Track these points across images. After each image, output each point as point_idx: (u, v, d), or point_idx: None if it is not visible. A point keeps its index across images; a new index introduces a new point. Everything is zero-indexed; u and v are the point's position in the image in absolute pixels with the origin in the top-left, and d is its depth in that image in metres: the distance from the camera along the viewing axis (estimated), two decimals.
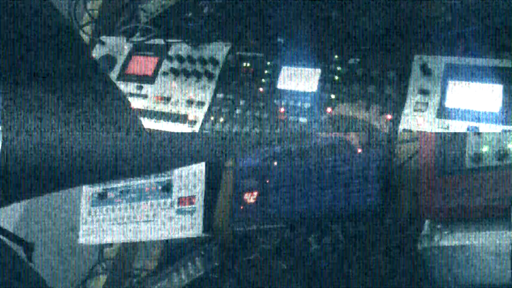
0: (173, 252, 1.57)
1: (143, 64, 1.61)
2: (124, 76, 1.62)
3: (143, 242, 1.61)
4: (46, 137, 0.79)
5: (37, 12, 0.81)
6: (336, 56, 1.37)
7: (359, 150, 1.29)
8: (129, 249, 1.70)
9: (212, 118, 1.43)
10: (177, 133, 0.93)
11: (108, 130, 0.85)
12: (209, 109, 1.44)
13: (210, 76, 1.48)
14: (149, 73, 1.58)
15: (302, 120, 1.32)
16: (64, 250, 1.90)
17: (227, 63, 1.49)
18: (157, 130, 1.47)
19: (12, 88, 0.78)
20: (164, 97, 1.52)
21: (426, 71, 1.25)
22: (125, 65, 1.64)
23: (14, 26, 0.78)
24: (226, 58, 1.50)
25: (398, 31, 1.34)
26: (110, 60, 1.66)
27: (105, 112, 0.87)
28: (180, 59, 1.54)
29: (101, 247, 1.66)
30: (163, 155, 0.91)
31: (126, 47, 1.67)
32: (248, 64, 1.46)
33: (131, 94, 1.56)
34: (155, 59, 1.60)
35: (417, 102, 1.23)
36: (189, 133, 0.93)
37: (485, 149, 1.08)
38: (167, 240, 1.55)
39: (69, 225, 1.80)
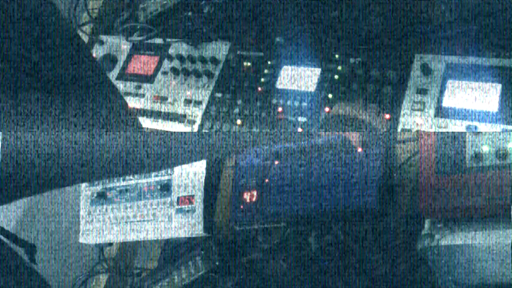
0: (173, 251, 1.57)
1: (144, 63, 1.61)
2: (124, 75, 1.62)
3: (144, 241, 1.61)
4: (44, 136, 0.79)
5: (38, 12, 0.81)
6: (337, 56, 1.36)
7: (359, 150, 1.29)
8: (130, 249, 1.70)
9: (210, 117, 1.42)
10: (175, 132, 0.93)
11: (107, 129, 0.85)
12: (207, 108, 1.44)
13: (210, 76, 1.48)
14: (149, 72, 1.58)
15: (301, 119, 1.32)
16: (64, 249, 1.90)
17: (228, 62, 1.49)
18: (155, 130, 1.47)
19: (10, 88, 0.78)
20: (162, 96, 1.52)
21: (426, 70, 1.24)
22: (125, 65, 1.64)
23: (14, 27, 0.78)
24: (226, 58, 1.50)
25: (399, 30, 1.34)
26: (110, 59, 1.66)
27: (103, 111, 0.87)
28: (180, 58, 1.54)
29: (102, 247, 1.66)
30: (161, 153, 0.91)
31: (127, 47, 1.67)
32: (249, 64, 1.46)
33: (130, 94, 1.56)
34: (156, 58, 1.60)
35: (415, 102, 1.23)
36: (187, 132, 0.93)
37: (485, 148, 1.08)
38: (167, 240, 1.55)
39: (69, 224, 1.80)
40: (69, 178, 0.87)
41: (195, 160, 1.05)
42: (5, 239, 0.97)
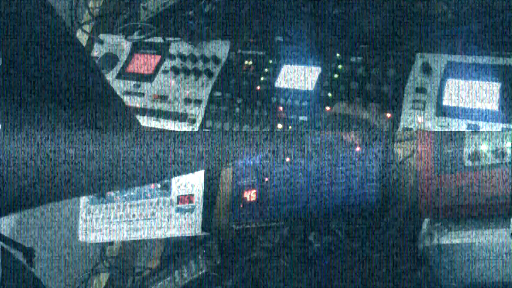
0: (175, 250, 1.57)
1: (144, 62, 1.61)
2: (124, 74, 1.62)
3: (145, 240, 1.61)
4: (43, 146, 0.79)
5: (35, 14, 0.81)
6: (337, 55, 1.36)
7: (358, 148, 1.29)
8: (131, 248, 1.70)
9: (210, 116, 1.42)
10: (175, 132, 0.92)
11: (105, 131, 0.85)
12: (207, 107, 1.44)
13: (210, 75, 1.47)
14: (149, 71, 1.58)
15: (301, 118, 1.32)
16: (65, 248, 1.90)
17: (228, 61, 1.49)
18: (155, 130, 1.47)
19: (8, 96, 0.78)
20: (162, 95, 1.52)
21: (426, 69, 1.24)
22: (126, 63, 1.64)
23: (12, 31, 0.78)
24: (226, 57, 1.49)
25: (399, 29, 1.34)
26: (111, 58, 1.66)
27: (101, 113, 0.87)
28: (181, 57, 1.54)
29: (103, 245, 1.66)
30: (162, 162, 0.90)
31: (128, 46, 1.67)
32: (249, 63, 1.46)
33: (129, 93, 1.56)
34: (157, 57, 1.60)
35: (416, 100, 1.23)
36: (187, 132, 0.93)
37: (484, 147, 1.08)
38: (168, 239, 1.55)
39: (69, 223, 1.80)
40: (68, 191, 0.86)
41: (198, 166, 1.04)
42: (3, 244, 0.97)
